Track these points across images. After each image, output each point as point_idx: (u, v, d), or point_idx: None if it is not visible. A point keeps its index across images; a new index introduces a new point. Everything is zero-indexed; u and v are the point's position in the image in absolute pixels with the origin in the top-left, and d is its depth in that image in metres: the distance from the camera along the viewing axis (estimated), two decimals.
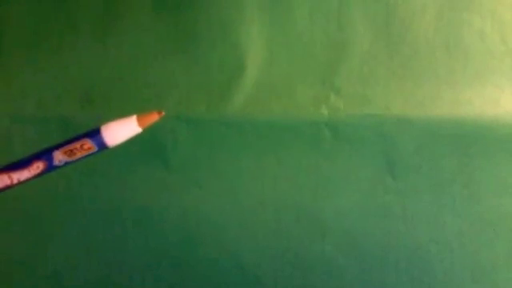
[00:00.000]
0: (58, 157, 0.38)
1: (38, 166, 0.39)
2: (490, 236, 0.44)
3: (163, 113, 0.36)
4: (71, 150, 0.38)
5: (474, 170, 0.44)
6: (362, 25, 0.45)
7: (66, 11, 0.45)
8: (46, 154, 0.39)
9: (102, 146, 0.38)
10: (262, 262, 0.44)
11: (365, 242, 0.44)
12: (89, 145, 0.38)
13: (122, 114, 0.44)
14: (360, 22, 0.45)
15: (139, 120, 0.36)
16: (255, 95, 0.44)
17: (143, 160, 0.43)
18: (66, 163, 0.39)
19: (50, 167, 0.39)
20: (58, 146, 0.38)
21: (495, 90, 0.44)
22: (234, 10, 0.45)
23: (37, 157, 0.39)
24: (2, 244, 0.44)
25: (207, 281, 0.44)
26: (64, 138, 0.45)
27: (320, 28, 0.45)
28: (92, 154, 0.38)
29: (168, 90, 0.44)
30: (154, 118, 0.37)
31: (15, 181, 0.40)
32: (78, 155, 0.38)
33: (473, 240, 0.44)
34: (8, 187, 0.40)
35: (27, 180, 0.40)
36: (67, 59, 0.44)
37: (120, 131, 0.37)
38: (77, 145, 0.38)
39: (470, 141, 0.44)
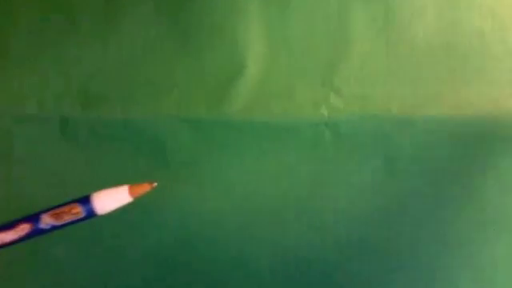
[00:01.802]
0: (46, 219, 0.38)
1: (23, 228, 0.39)
2: (490, 236, 0.44)
3: (155, 184, 0.37)
4: (58, 214, 0.37)
5: (473, 170, 0.44)
6: (361, 25, 0.45)
7: (66, 11, 0.45)
8: (33, 216, 0.38)
9: (91, 213, 0.37)
10: (262, 262, 0.44)
11: (365, 241, 0.44)
12: (77, 209, 0.37)
13: (121, 114, 0.44)
14: (360, 22, 0.45)
15: (131, 190, 0.37)
16: (255, 95, 0.44)
17: (143, 160, 0.43)
18: (53, 227, 0.37)
19: (37, 230, 0.38)
20: (46, 210, 0.37)
21: (495, 89, 0.44)
22: (234, 10, 0.45)
23: (24, 219, 0.39)
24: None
25: (207, 280, 0.44)
26: (64, 138, 0.45)
27: (320, 28, 0.45)
28: (79, 220, 0.37)
29: (168, 89, 0.44)
30: (145, 188, 0.37)
31: None
32: (66, 219, 0.37)
33: (473, 240, 0.44)
34: None
35: (12, 242, 0.40)
36: (67, 59, 0.44)
37: (111, 200, 0.37)
38: (65, 208, 0.37)
39: (470, 141, 0.44)
